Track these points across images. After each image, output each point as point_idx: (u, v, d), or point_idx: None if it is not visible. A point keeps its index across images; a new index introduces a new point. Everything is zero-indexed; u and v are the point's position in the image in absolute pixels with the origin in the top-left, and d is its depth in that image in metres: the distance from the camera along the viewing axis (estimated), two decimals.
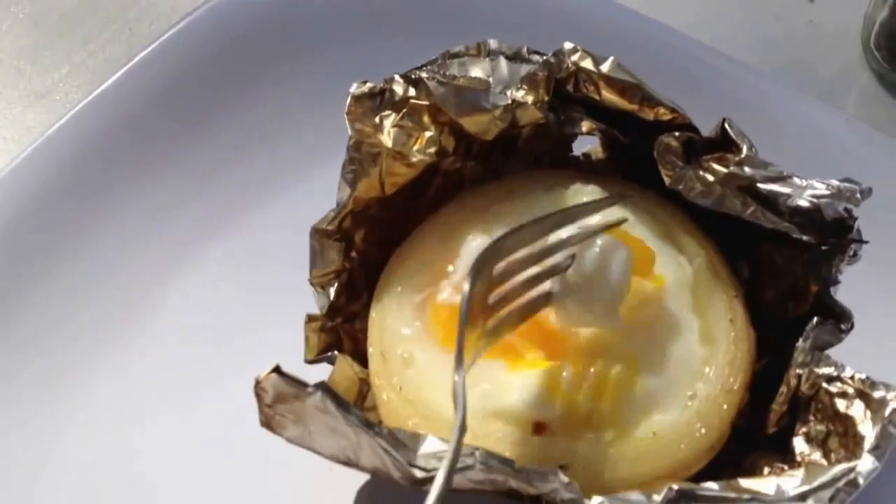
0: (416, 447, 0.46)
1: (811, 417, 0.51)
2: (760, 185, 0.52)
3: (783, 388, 0.52)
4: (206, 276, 0.64)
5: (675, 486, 0.45)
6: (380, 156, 0.55)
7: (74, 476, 0.57)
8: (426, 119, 0.56)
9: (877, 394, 0.49)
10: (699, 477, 0.51)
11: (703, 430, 0.51)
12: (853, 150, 0.66)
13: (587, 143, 0.61)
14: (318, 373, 0.53)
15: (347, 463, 0.48)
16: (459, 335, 0.46)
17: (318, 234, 0.55)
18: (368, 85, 0.55)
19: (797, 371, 0.51)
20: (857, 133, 0.67)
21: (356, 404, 0.54)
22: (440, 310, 0.53)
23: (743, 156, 0.53)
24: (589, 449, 0.49)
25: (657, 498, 0.45)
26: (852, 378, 0.50)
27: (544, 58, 0.56)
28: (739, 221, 0.54)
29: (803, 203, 0.52)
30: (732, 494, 0.45)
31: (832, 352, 0.52)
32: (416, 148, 0.56)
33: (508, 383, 0.51)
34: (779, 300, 0.56)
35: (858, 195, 0.51)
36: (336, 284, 0.56)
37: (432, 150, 0.56)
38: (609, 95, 0.55)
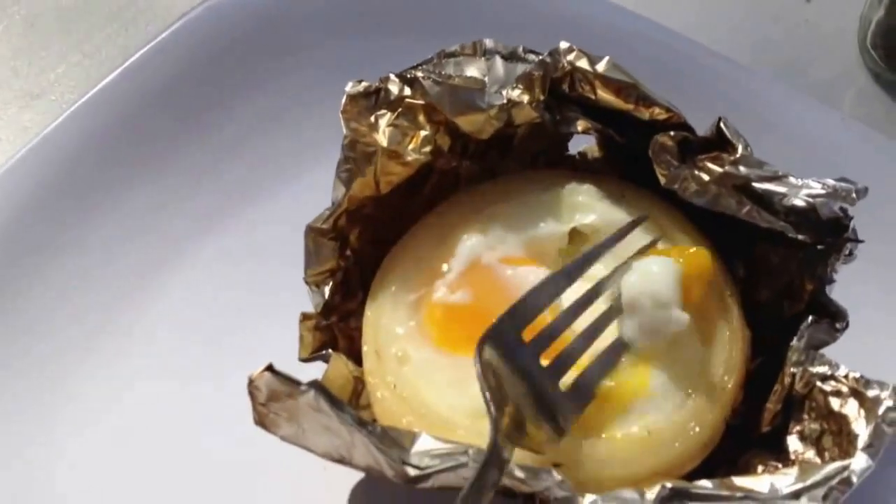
0: (410, 445, 0.45)
1: (805, 416, 0.51)
2: (756, 185, 0.52)
3: (777, 387, 0.52)
4: (201, 275, 0.64)
5: (669, 484, 0.45)
6: (375, 155, 0.55)
7: (67, 472, 0.57)
8: (421, 118, 0.56)
9: (871, 392, 0.49)
10: (693, 475, 0.51)
11: (697, 429, 0.51)
12: (849, 149, 0.66)
13: (584, 142, 0.61)
14: (313, 371, 0.53)
15: (341, 461, 0.48)
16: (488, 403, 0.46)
17: (312, 232, 0.55)
18: (364, 84, 0.55)
19: (791, 370, 0.51)
20: (853, 132, 0.67)
21: (350, 402, 0.54)
22: (435, 309, 0.53)
23: (738, 155, 0.53)
24: (582, 447, 0.49)
25: (650, 496, 0.45)
26: (846, 377, 0.50)
27: (540, 57, 0.56)
28: (735, 221, 0.54)
29: (799, 202, 0.52)
30: (726, 492, 0.45)
31: (827, 350, 0.52)
32: (411, 147, 0.56)
33: None
34: (774, 299, 0.56)
35: (854, 194, 0.51)
36: (331, 283, 0.56)
37: (427, 149, 0.56)
38: (605, 95, 0.55)
